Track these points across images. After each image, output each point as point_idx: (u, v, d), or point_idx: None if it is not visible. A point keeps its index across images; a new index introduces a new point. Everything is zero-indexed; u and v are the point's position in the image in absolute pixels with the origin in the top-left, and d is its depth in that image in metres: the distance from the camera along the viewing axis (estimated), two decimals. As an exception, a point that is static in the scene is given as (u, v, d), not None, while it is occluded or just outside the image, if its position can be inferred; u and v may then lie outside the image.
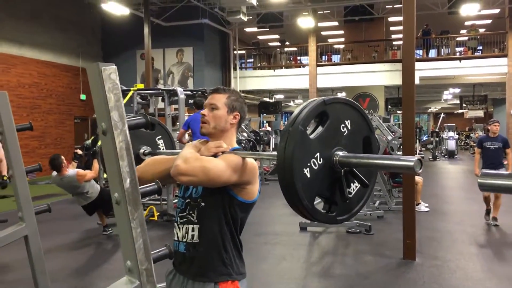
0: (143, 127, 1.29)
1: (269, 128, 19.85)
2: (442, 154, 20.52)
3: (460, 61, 16.92)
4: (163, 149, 2.55)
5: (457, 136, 21.38)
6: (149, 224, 6.95)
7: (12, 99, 1.80)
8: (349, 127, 1.48)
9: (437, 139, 20.49)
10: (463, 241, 6.01)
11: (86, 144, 11.20)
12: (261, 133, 15.11)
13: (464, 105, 20.48)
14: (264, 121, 22.77)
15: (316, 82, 17.72)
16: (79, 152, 8.51)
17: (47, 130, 15.00)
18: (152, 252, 1.18)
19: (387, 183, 8.43)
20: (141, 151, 2.34)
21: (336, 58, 21.69)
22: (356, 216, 6.95)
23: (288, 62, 20.57)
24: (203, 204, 1.81)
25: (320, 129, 1.43)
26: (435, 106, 33.55)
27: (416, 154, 7.23)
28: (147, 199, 8.19)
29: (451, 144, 19.84)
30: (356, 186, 1.49)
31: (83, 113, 16.39)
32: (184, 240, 1.83)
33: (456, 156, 19.98)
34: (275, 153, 1.62)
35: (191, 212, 1.83)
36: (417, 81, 12.35)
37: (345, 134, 1.47)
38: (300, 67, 19.79)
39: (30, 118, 13.77)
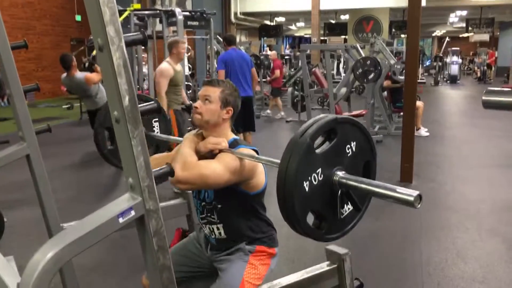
0: (140, 44, 1.24)
1: (269, 52, 19.50)
2: (444, 79, 20.32)
3: (469, -18, 16.28)
4: (157, 132, 2.56)
5: (460, 61, 21.06)
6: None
7: (5, 19, 1.74)
8: (353, 149, 1.48)
9: (440, 64, 20.20)
10: (461, 165, 6.10)
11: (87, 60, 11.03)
12: (262, 57, 14.84)
13: (470, 28, 19.98)
14: (265, 45, 22.31)
15: (319, 3, 17.11)
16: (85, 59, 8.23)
17: (43, 53, 14.73)
18: (153, 170, 1.19)
19: (387, 108, 8.42)
20: None
21: (340, -22, 20.82)
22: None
23: (290, -18, 19.75)
24: (219, 206, 1.84)
25: (326, 144, 1.42)
26: (440, 30, 32.76)
27: (418, 79, 7.13)
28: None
29: (454, 69, 19.61)
30: (348, 208, 1.49)
31: (79, 35, 16.01)
32: (213, 236, 1.91)
33: (458, 81, 19.81)
34: (271, 159, 1.62)
35: (209, 214, 1.87)
36: (423, 3, 11.91)
37: (349, 155, 1.47)
38: (302, -13, 19.05)
39: (24, 39, 13.48)
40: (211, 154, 1.78)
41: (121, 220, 1.13)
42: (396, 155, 5.75)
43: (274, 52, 12.28)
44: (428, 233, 3.84)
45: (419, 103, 7.68)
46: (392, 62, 7.98)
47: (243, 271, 1.82)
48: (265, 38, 20.90)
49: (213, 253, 1.94)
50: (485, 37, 20.40)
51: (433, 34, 35.78)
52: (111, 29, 1.10)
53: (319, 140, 1.45)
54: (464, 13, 21.96)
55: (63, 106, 11.89)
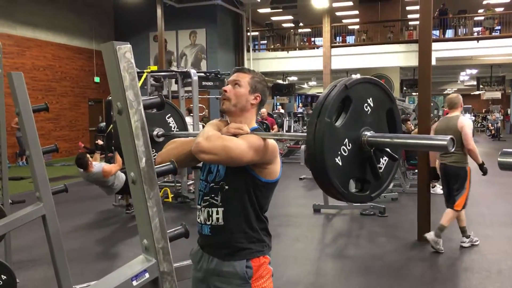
0: (158, 107, 1.29)
1: (282, 111, 19.78)
2: (458, 136, 20.27)
3: (478, 41, 16.60)
4: (174, 127, 2.54)
5: (473, 118, 21.10)
6: (163, 205, 7.00)
7: (27, 81, 1.81)
8: (372, 104, 1.47)
9: (453, 121, 20.21)
10: (479, 223, 5.96)
11: (101, 127, 11.30)
12: (275, 115, 15.07)
13: (481, 86, 20.17)
14: (278, 103, 22.69)
15: (330, 63, 17.55)
16: (100, 142, 8.59)
17: (62, 113, 15.13)
18: (168, 231, 1.19)
19: (401, 166, 8.37)
20: (154, 133, 2.33)
21: (350, 39, 21.44)
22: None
23: (302, 43, 20.38)
24: (226, 187, 1.80)
25: (344, 114, 1.41)
26: (451, 88, 33.07)
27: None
28: (161, 181, 8.26)
29: (467, 126, 19.55)
30: (385, 160, 1.49)
31: (97, 96, 16.48)
32: (208, 223, 1.83)
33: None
34: (298, 133, 1.61)
35: (213, 195, 1.82)
36: (433, 62, 12.13)
37: (368, 112, 1.45)
38: (314, 48, 19.62)
39: (45, 101, 13.89)
40: None
41: (135, 283, 1.12)
42: (412, 213, 5.66)
43: (264, 110, 12.28)
44: (448, 295, 3.71)
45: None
46: (412, 107, 7.98)
47: None
48: (277, 96, 21.28)
49: (206, 260, 1.84)
50: (497, 94, 20.53)
51: (444, 92, 36.11)
52: (130, 94, 1.14)
53: (337, 111, 1.42)
54: (474, 71, 22.25)
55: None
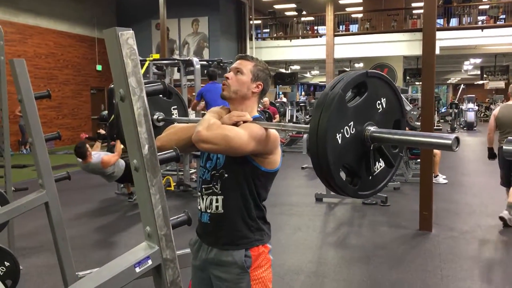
0: (161, 94, 1.28)
1: (284, 99, 19.75)
2: (461, 126, 20.23)
3: (482, 30, 16.48)
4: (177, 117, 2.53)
5: (476, 107, 21.00)
6: (165, 194, 7.03)
7: (29, 69, 1.81)
8: (384, 105, 1.48)
9: (456, 110, 20.17)
10: (481, 213, 5.97)
11: (103, 115, 11.30)
12: (277, 104, 15.04)
13: (485, 75, 20.07)
14: (280, 92, 22.63)
15: (333, 52, 17.46)
16: (102, 132, 8.61)
17: (64, 101, 15.13)
18: (170, 219, 1.19)
19: (404, 155, 8.36)
20: (155, 117, 2.32)
21: (354, 27, 21.31)
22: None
23: (305, 32, 20.26)
24: (226, 175, 1.79)
25: (357, 99, 1.43)
26: (454, 77, 32.94)
27: (434, 125, 7.22)
28: (164, 169, 8.27)
29: (470, 116, 19.51)
30: (380, 166, 1.49)
31: (99, 84, 16.46)
32: (208, 211, 1.82)
33: (475, 128, 19.68)
34: (301, 125, 1.60)
35: (214, 183, 1.81)
36: (437, 51, 12.06)
37: (379, 111, 1.47)
38: (317, 37, 19.53)
39: (47, 88, 13.91)
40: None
41: (138, 269, 1.12)
42: (414, 203, 5.66)
43: (266, 99, 12.26)
44: (449, 285, 3.72)
45: (436, 150, 7.62)
46: (407, 108, 8.00)
47: None
48: (280, 85, 21.22)
49: (205, 250, 1.84)
50: (501, 84, 20.42)
51: (448, 81, 35.97)
52: (133, 80, 1.13)
53: (351, 96, 1.45)
54: (478, 60, 22.12)
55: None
